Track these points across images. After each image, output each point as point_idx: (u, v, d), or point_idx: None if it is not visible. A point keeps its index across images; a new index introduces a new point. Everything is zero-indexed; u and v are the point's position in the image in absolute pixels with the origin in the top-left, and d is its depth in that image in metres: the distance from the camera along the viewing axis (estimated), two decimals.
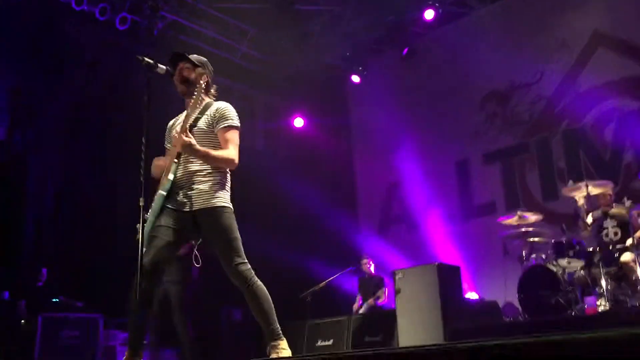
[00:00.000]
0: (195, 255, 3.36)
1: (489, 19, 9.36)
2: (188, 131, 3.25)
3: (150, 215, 3.25)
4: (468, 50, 9.42)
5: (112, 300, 6.25)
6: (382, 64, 10.27)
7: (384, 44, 10.05)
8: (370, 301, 8.08)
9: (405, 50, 9.71)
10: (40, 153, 7.05)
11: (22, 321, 6.33)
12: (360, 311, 8.09)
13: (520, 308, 6.12)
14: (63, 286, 6.71)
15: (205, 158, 3.29)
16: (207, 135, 3.36)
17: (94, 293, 6.76)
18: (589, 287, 5.76)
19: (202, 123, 3.39)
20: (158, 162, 3.60)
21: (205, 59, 3.61)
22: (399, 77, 10.14)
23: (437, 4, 8.75)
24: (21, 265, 7.26)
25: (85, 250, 6.97)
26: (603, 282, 5.50)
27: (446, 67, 9.62)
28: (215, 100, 3.55)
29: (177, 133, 3.32)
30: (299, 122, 10.50)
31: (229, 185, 3.46)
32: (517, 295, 6.03)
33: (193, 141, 3.22)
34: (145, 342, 3.22)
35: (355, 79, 10.32)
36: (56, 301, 6.80)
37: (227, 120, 3.38)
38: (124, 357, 3.13)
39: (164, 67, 3.38)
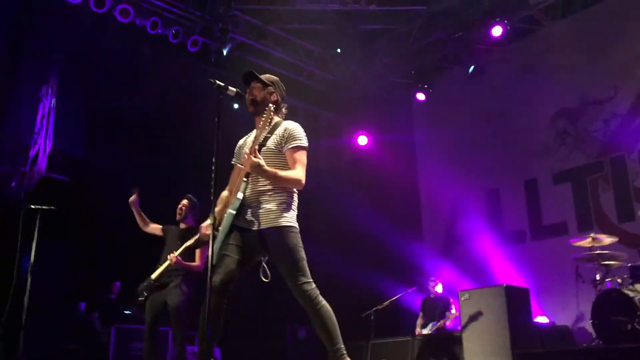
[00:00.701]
0: (264, 269, 3.41)
1: (559, 35, 9.13)
2: (257, 151, 3.33)
3: (220, 233, 3.33)
4: (537, 66, 9.21)
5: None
6: (447, 81, 10.19)
7: (449, 62, 9.97)
8: (441, 323, 7.93)
9: (472, 67, 9.59)
10: (115, 171, 7.35)
11: (97, 333, 6.59)
12: (424, 331, 7.96)
13: (594, 334, 5.86)
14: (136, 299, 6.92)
15: (273, 178, 3.36)
16: (276, 155, 3.43)
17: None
18: None
19: (270, 143, 3.46)
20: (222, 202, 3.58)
21: (277, 78, 3.69)
22: (465, 94, 10.01)
23: (505, 21, 8.60)
24: (96, 278, 7.58)
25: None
26: None
27: (514, 84, 9.43)
28: (284, 120, 3.62)
29: (246, 153, 3.40)
30: (362, 140, 10.51)
31: (296, 205, 3.50)
32: (590, 321, 5.78)
33: (262, 162, 3.29)
34: (212, 358, 3.28)
35: (421, 96, 10.26)
36: (128, 313, 7.05)
37: (295, 140, 3.44)
38: None
39: (234, 89, 3.47)
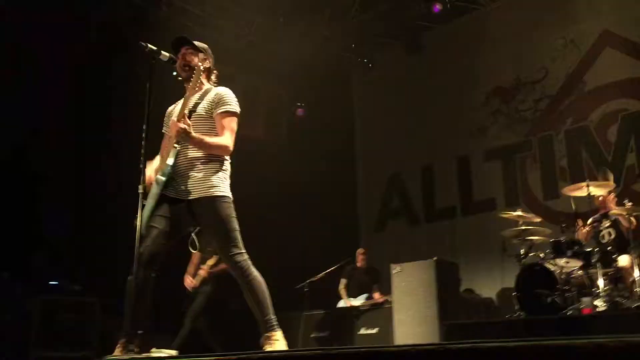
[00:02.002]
0: (192, 241, 3.35)
1: (497, 15, 9.30)
2: (186, 117, 3.24)
3: (149, 199, 3.24)
4: (475, 45, 9.38)
5: (110, 284, 6.27)
6: (387, 56, 10.23)
7: (390, 37, 10.00)
8: (367, 302, 8.05)
9: (412, 43, 9.68)
10: (43, 139, 7.00)
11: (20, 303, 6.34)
12: (354, 302, 8.08)
13: (517, 306, 6.13)
14: (61, 269, 6.71)
15: (200, 145, 3.27)
16: (206, 121, 3.35)
17: (93, 277, 6.76)
18: (586, 287, 5.75)
19: (200, 109, 3.37)
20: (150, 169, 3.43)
21: (207, 46, 3.60)
22: (405, 70, 10.10)
23: None
24: (22, 246, 7.27)
25: (84, 234, 6.97)
26: (600, 283, 5.50)
27: (452, 61, 9.57)
28: (215, 87, 3.53)
29: (173, 119, 3.31)
30: (301, 112, 10.46)
31: (229, 173, 3.44)
32: (514, 293, 6.03)
33: (188, 127, 3.20)
34: (140, 330, 3.21)
35: (360, 71, 10.28)
36: (54, 284, 6.81)
37: (225, 105, 3.36)
38: (119, 344, 3.13)
39: (167, 54, 3.36)
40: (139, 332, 3.17)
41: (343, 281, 8.24)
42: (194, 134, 3.22)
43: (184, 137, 3.22)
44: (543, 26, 8.76)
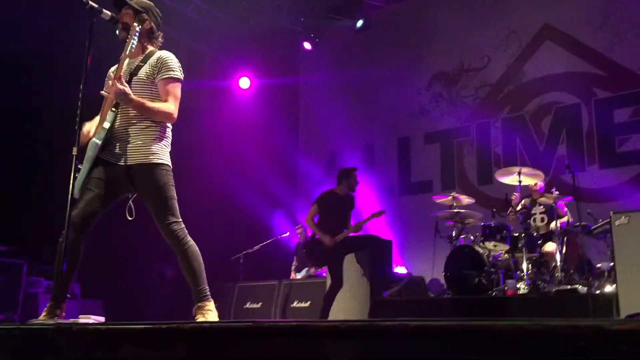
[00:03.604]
0: (129, 208, 3.28)
1: (445, 1, 9.43)
2: (124, 79, 3.13)
3: (84, 162, 3.14)
4: (421, 28, 9.49)
5: (37, 246, 6.08)
6: (335, 33, 10.22)
7: (339, 13, 9.97)
8: (312, 271, 8.17)
9: (361, 21, 9.70)
10: None
11: None
12: (298, 276, 8.18)
13: (445, 285, 6.35)
14: None
15: (140, 109, 3.17)
16: (147, 86, 3.25)
17: (19, 238, 6.53)
18: (512, 270, 6.02)
19: (142, 72, 3.26)
20: (86, 129, 3.32)
21: (151, 4, 3.45)
22: (351, 47, 10.13)
23: None
24: None
25: (12, 193, 6.70)
26: (524, 267, 5.76)
27: (398, 43, 9.67)
28: (159, 50, 3.43)
29: (111, 79, 3.20)
30: (244, 83, 10.33)
31: (169, 141, 3.36)
32: (443, 273, 6.23)
33: (127, 89, 3.10)
34: (68, 294, 3.14)
35: (307, 45, 10.24)
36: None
37: (169, 71, 3.26)
38: (46, 308, 3.06)
39: (109, 12, 3.23)
40: (67, 296, 3.10)
41: (295, 259, 8.41)
42: (134, 97, 3.12)
43: (123, 99, 3.12)
44: (488, 15, 8.95)
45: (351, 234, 6.15)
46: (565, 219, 6.24)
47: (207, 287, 3.24)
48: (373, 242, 6.50)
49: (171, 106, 3.23)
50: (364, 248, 6.38)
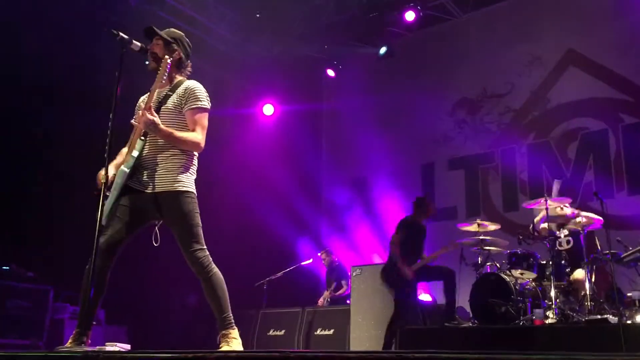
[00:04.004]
0: (155, 234, 3.31)
1: (467, 27, 9.47)
2: (153, 109, 3.19)
3: (112, 190, 3.19)
4: (444, 55, 9.52)
5: (64, 271, 6.14)
6: (358, 60, 10.28)
7: (362, 41, 10.06)
8: (326, 294, 8.12)
9: (384, 49, 9.76)
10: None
11: None
12: (322, 301, 8.15)
13: (471, 314, 6.23)
14: (15, 255, 6.54)
15: (169, 137, 3.22)
16: (175, 116, 3.30)
17: (47, 264, 6.62)
18: (539, 299, 5.89)
19: (170, 102, 3.32)
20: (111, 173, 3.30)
21: (181, 34, 3.53)
22: (374, 75, 10.18)
23: (418, 7, 8.80)
24: None
25: (40, 220, 6.81)
26: (552, 295, 5.64)
27: (421, 70, 9.70)
28: (187, 79, 3.49)
29: (141, 110, 3.25)
30: (268, 110, 10.43)
31: (195, 169, 3.40)
32: (469, 301, 6.13)
33: (157, 120, 3.15)
34: (94, 321, 3.16)
35: (331, 73, 10.32)
36: (6, 269, 6.63)
37: (196, 101, 3.31)
38: (72, 334, 3.08)
39: (139, 43, 3.30)
40: (93, 323, 3.12)
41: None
42: (162, 127, 3.18)
43: (152, 129, 3.17)
44: (511, 41, 8.95)
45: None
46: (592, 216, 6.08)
47: (231, 315, 3.24)
48: (445, 273, 6.42)
49: (199, 135, 3.27)
50: (437, 279, 6.36)
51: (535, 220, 6.34)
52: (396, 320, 5.95)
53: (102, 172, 3.10)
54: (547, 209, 6.16)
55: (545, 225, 6.28)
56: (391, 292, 6.37)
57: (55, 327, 6.49)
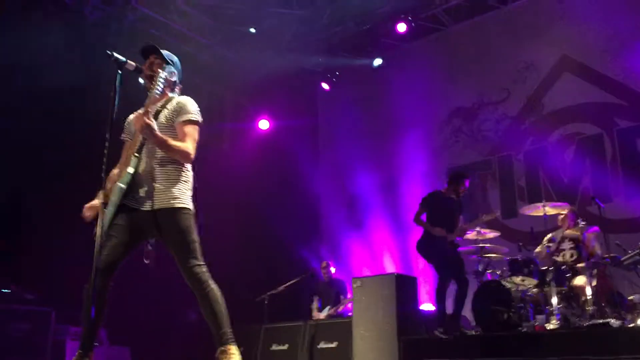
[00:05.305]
0: (148, 252, 3.32)
1: (460, 36, 9.53)
2: (150, 114, 3.20)
3: (109, 207, 3.20)
4: (439, 64, 9.58)
5: (64, 291, 6.12)
6: (353, 72, 10.33)
7: (356, 53, 10.12)
8: (332, 311, 8.09)
9: (379, 60, 9.83)
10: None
11: None
12: (321, 316, 8.09)
13: (473, 322, 6.22)
14: (15, 277, 6.52)
15: (163, 145, 3.24)
16: (167, 129, 3.32)
17: (47, 285, 6.60)
18: (541, 305, 5.89)
19: (162, 117, 3.36)
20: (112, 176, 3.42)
21: (177, 59, 3.59)
22: (369, 86, 10.22)
23: (410, 18, 8.87)
24: None
25: (39, 241, 6.80)
26: (554, 301, 5.63)
27: (416, 80, 9.74)
28: (178, 96, 3.53)
29: (137, 115, 3.28)
30: (264, 125, 10.47)
31: (191, 185, 3.42)
32: (471, 309, 6.12)
33: (154, 124, 3.17)
34: (96, 342, 3.15)
35: (325, 86, 10.37)
36: (6, 292, 6.62)
37: (187, 114, 3.36)
38: (75, 356, 3.06)
39: (133, 63, 3.33)
40: (95, 344, 3.11)
41: (315, 298, 8.33)
42: (158, 132, 3.19)
43: (147, 134, 3.19)
44: (504, 49, 9.01)
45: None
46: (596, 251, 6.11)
47: (230, 330, 3.21)
48: (463, 279, 6.24)
49: (189, 146, 3.30)
50: (456, 275, 6.21)
51: (538, 251, 6.37)
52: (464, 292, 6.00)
53: (98, 198, 3.11)
54: (545, 215, 6.19)
55: (545, 247, 6.31)
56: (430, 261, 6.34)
57: (57, 348, 6.45)
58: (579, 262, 5.98)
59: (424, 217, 6.41)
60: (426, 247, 6.30)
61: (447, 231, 6.20)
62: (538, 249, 6.41)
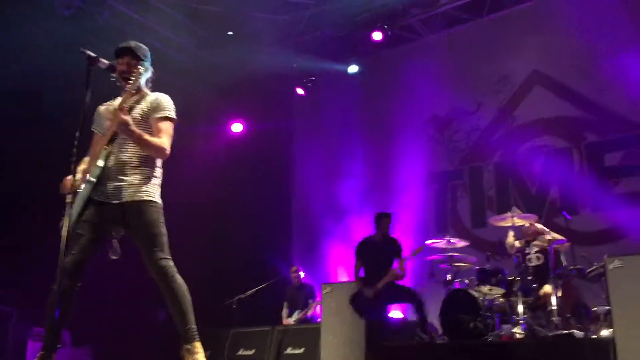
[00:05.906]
0: (115, 248, 3.27)
1: (434, 46, 9.63)
2: (126, 110, 3.19)
3: (77, 200, 3.15)
4: (413, 73, 9.63)
5: (30, 291, 5.98)
6: (328, 78, 10.34)
7: (333, 59, 10.14)
8: (301, 315, 8.07)
9: (354, 67, 9.88)
10: None
11: None
12: (291, 321, 8.06)
13: (440, 330, 6.27)
14: None
15: (139, 140, 3.23)
16: (142, 125, 3.31)
17: (7, 284, 6.44)
18: (507, 314, 5.96)
19: (137, 112, 3.34)
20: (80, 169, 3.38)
21: (147, 50, 3.55)
22: (344, 92, 10.25)
23: (386, 26, 8.94)
24: None
25: (3, 239, 6.64)
26: (520, 311, 5.71)
27: (391, 87, 9.80)
28: (152, 92, 3.51)
29: (114, 109, 3.25)
30: (237, 128, 10.42)
31: (160, 181, 3.40)
32: (438, 317, 6.16)
33: (130, 120, 3.16)
34: (59, 343, 3.08)
35: (300, 91, 10.36)
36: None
37: (163, 110, 3.37)
38: (37, 357, 2.99)
39: (106, 62, 3.30)
40: (59, 345, 3.04)
41: (285, 304, 8.29)
42: (134, 128, 3.18)
43: (124, 129, 3.15)
44: (477, 61, 9.12)
45: (398, 283, 6.30)
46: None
47: (195, 327, 3.17)
48: (415, 298, 6.40)
49: (165, 142, 3.31)
50: (407, 301, 6.45)
51: (509, 241, 6.40)
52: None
53: (69, 178, 3.07)
54: (513, 225, 6.27)
55: (518, 243, 6.36)
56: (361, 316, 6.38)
57: (17, 349, 6.31)
58: (546, 268, 6.03)
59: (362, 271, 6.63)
60: (354, 301, 6.31)
61: (378, 277, 6.33)
62: (509, 239, 6.44)
